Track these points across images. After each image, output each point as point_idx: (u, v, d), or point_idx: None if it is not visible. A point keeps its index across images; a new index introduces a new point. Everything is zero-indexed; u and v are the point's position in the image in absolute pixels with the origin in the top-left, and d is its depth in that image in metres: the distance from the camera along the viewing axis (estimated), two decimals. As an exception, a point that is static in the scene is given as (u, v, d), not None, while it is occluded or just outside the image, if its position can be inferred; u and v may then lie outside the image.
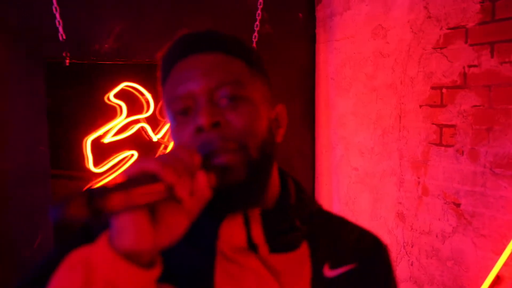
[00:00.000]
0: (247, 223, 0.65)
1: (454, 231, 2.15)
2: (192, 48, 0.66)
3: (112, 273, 0.49)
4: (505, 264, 1.88)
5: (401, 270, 2.45)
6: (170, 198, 0.52)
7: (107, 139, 2.51)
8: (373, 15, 2.64)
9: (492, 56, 1.97)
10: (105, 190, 0.48)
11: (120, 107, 2.54)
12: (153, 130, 2.63)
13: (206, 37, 0.68)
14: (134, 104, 2.59)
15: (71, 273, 0.50)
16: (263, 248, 0.65)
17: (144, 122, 2.61)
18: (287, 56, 3.03)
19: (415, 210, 2.38)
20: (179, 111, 0.64)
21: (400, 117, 2.47)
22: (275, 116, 0.71)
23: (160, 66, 0.70)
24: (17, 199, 2.35)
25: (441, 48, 2.21)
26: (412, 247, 2.41)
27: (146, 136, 2.62)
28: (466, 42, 2.08)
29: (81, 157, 2.46)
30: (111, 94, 2.52)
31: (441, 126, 2.22)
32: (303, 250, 0.68)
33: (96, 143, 2.49)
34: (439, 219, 2.23)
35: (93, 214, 0.46)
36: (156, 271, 0.53)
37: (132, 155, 2.58)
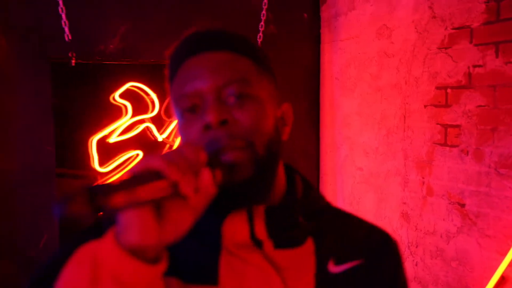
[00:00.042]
0: (250, 219, 0.65)
1: (459, 232, 2.15)
2: (200, 47, 0.67)
3: (119, 268, 0.50)
4: (510, 265, 1.88)
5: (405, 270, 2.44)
6: (175, 195, 0.53)
7: (112, 139, 2.53)
8: (377, 15, 2.64)
9: (497, 56, 1.97)
10: (108, 187, 0.48)
11: (126, 107, 2.56)
12: (158, 130, 2.65)
13: (214, 35, 0.68)
14: (139, 104, 2.60)
15: (79, 269, 0.51)
16: (268, 244, 0.66)
17: (149, 122, 2.63)
18: (292, 56, 3.04)
19: (420, 210, 2.37)
20: (186, 108, 0.65)
21: (404, 117, 2.47)
22: (281, 114, 0.72)
23: (168, 64, 0.71)
24: (22, 199, 2.36)
25: (446, 48, 2.21)
26: (416, 247, 2.40)
27: (151, 136, 2.63)
28: (471, 42, 2.08)
29: (87, 156, 2.48)
30: (117, 94, 2.54)
31: (445, 126, 2.22)
32: (308, 246, 0.69)
33: (102, 142, 2.51)
34: (443, 219, 2.23)
35: (95, 211, 0.46)
36: (162, 266, 0.54)
37: (137, 154, 2.59)
